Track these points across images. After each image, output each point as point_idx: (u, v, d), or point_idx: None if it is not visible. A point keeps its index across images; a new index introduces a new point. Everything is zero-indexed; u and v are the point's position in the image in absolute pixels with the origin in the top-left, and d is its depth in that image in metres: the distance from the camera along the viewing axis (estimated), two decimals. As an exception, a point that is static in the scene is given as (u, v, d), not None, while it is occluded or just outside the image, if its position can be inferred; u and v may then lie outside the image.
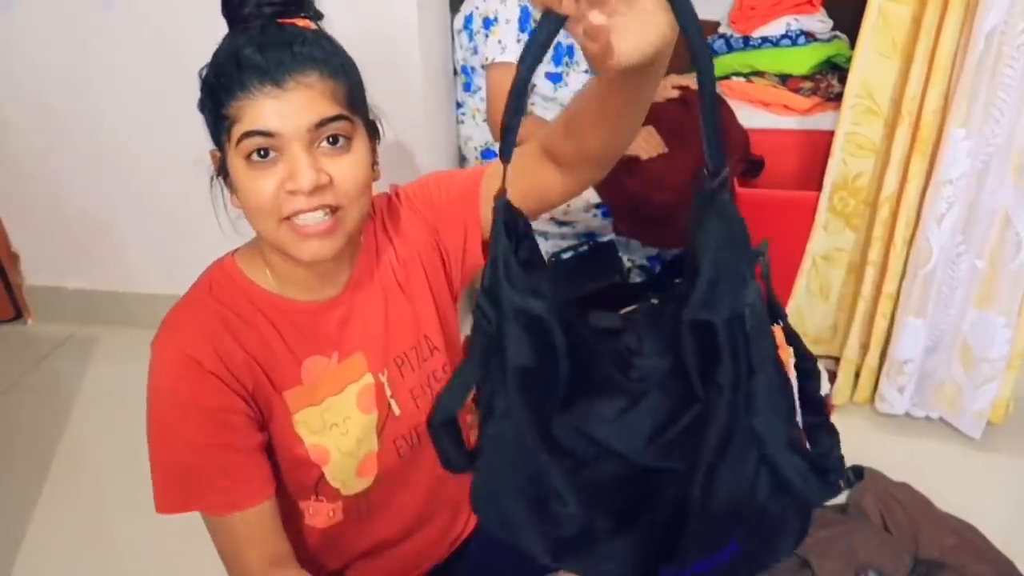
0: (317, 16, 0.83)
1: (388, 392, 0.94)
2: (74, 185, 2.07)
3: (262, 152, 0.77)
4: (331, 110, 0.78)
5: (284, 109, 0.76)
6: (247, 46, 0.77)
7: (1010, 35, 1.44)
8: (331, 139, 0.79)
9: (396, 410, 0.95)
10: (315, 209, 0.79)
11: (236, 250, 0.92)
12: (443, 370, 0.99)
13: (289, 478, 0.92)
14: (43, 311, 2.27)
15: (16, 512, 1.67)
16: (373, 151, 0.86)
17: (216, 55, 0.80)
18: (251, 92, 0.76)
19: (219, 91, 0.78)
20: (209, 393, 0.83)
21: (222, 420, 0.84)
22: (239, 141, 0.77)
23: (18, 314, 2.28)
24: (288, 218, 0.79)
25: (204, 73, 0.81)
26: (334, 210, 0.80)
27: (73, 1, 1.82)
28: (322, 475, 0.92)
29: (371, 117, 0.86)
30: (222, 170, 0.83)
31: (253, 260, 0.90)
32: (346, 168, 0.80)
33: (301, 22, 0.81)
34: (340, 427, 0.91)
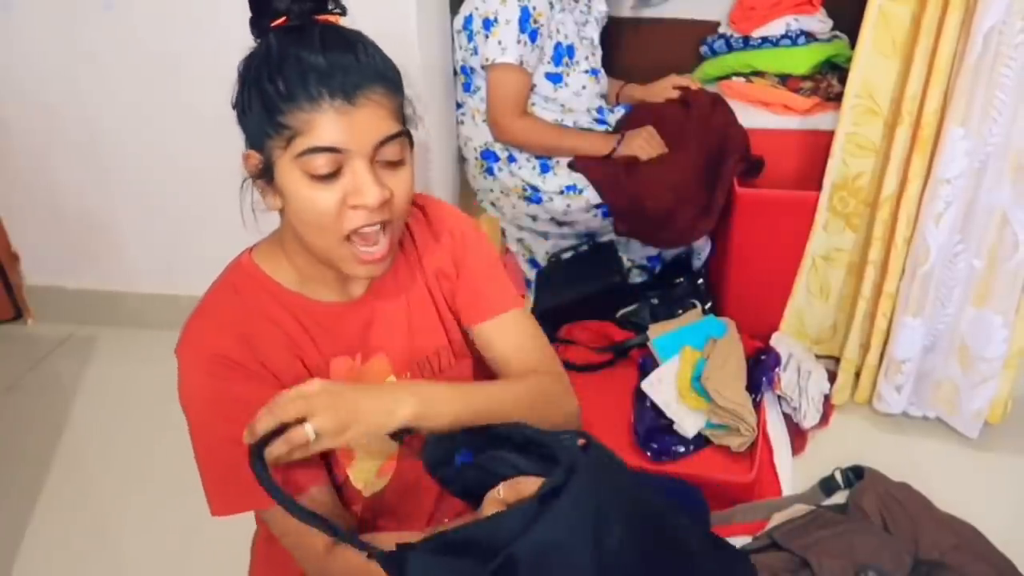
0: (344, 11, 0.83)
1: None
2: (74, 185, 2.07)
3: (331, 173, 0.77)
4: (393, 128, 0.79)
5: (353, 126, 0.76)
6: (309, 51, 0.75)
7: (1008, 35, 1.44)
8: (388, 159, 0.79)
9: None
10: (375, 224, 0.80)
11: (253, 248, 0.92)
12: (470, 376, 1.01)
13: None
14: (43, 311, 2.27)
15: (16, 512, 1.67)
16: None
17: (267, 55, 0.77)
18: (320, 104, 0.75)
19: (277, 97, 0.76)
20: (241, 383, 0.82)
21: (257, 410, 0.81)
22: (301, 154, 0.76)
23: (18, 314, 2.28)
24: (349, 237, 0.80)
25: (247, 71, 0.79)
26: (385, 225, 0.81)
27: (73, 1, 1.82)
28: (347, 477, 0.92)
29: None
30: (264, 173, 0.81)
31: (274, 257, 0.89)
32: (403, 183, 0.81)
33: (334, 18, 0.81)
34: None
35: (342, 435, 0.76)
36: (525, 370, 0.96)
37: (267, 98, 0.76)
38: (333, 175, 0.77)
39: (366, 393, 0.79)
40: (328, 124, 0.75)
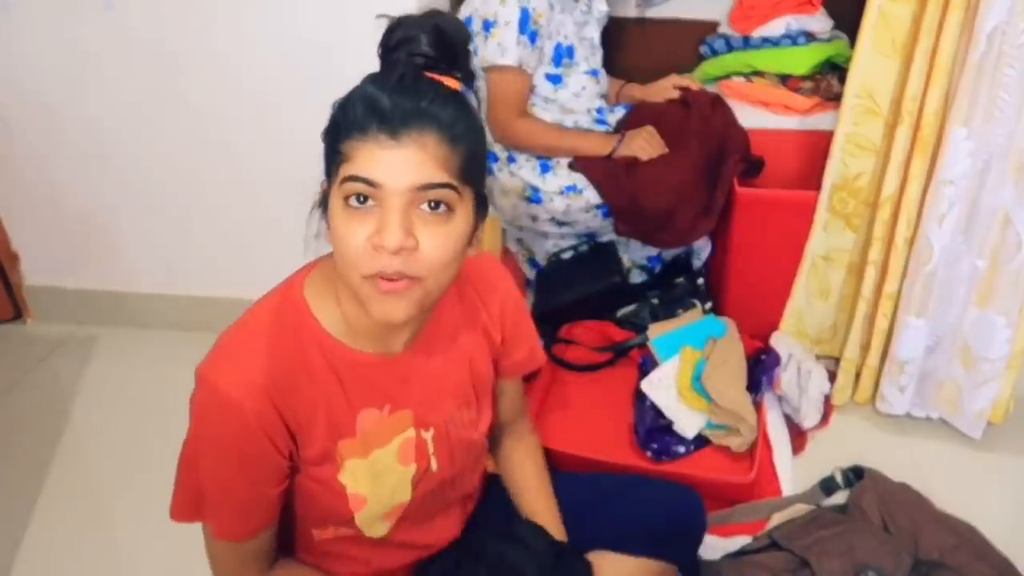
0: (469, 78, 0.83)
1: (431, 449, 0.96)
2: (74, 185, 2.07)
3: (361, 198, 0.76)
4: (439, 176, 0.77)
5: (393, 162, 0.75)
6: (381, 89, 0.77)
7: (1011, 35, 1.44)
8: (432, 204, 0.77)
9: (434, 466, 0.96)
10: (395, 276, 0.77)
11: (307, 276, 0.90)
12: (484, 434, 1.04)
13: (314, 513, 0.94)
14: (43, 311, 2.27)
15: (16, 512, 1.67)
16: (475, 227, 0.85)
17: (352, 90, 0.80)
18: (367, 136, 0.76)
19: (341, 125, 0.78)
20: (247, 441, 0.83)
21: (251, 468, 0.85)
22: (343, 181, 0.77)
23: (18, 314, 2.28)
24: (370, 276, 0.78)
25: (335, 103, 0.82)
26: (407, 280, 0.78)
27: (73, 1, 1.82)
28: (352, 517, 0.93)
29: (484, 192, 0.86)
30: (323, 201, 0.82)
31: (325, 297, 0.88)
32: (438, 238, 0.78)
33: (449, 80, 0.81)
34: (380, 478, 0.92)
35: None
36: (516, 413, 1.15)
37: (333, 125, 0.80)
38: (366, 210, 0.76)
39: None
40: (368, 155, 0.75)
